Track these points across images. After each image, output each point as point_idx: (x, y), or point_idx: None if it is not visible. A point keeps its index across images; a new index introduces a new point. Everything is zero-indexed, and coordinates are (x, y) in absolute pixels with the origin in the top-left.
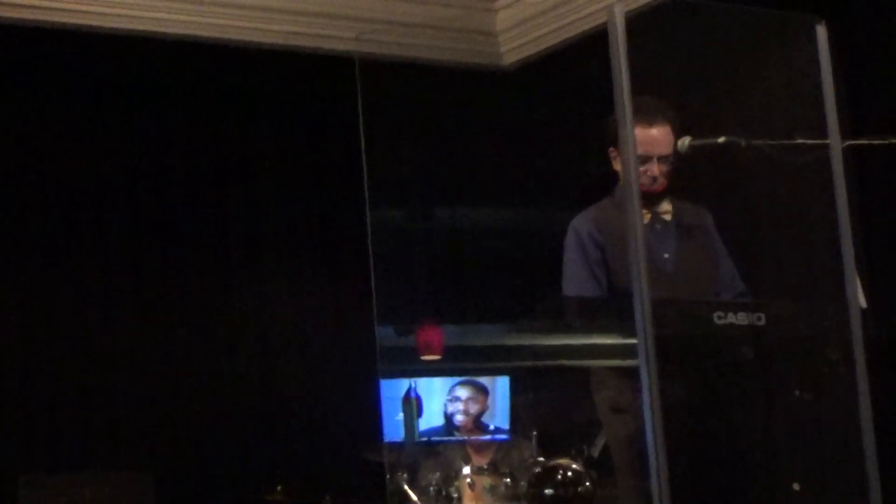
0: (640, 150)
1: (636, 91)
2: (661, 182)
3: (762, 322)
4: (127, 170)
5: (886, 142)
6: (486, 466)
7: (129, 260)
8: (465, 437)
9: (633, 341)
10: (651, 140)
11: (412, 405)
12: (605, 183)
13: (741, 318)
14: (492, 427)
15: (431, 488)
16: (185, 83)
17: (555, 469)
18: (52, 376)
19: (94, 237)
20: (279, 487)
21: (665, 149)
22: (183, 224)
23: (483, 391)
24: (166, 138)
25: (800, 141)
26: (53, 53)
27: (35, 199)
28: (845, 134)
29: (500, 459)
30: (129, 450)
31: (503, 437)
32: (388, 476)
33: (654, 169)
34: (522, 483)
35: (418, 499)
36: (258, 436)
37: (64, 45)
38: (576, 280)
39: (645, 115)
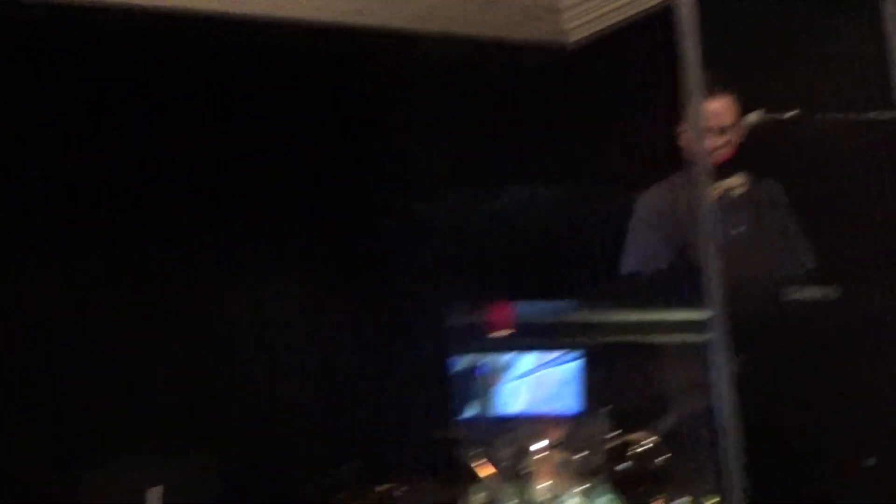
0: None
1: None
2: (722, 153)
3: (834, 297)
4: (170, 156)
5: None
6: (558, 442)
7: (186, 235)
8: (537, 413)
9: (704, 317)
10: (710, 112)
11: (483, 382)
12: (674, 159)
13: (813, 294)
14: (564, 403)
15: (503, 465)
16: (193, 59)
17: (629, 444)
18: (107, 360)
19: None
20: (349, 466)
21: (725, 120)
22: (240, 208)
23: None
24: (184, 124)
25: (872, 114)
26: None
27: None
28: None
29: (572, 435)
30: (192, 435)
31: (576, 412)
32: (458, 453)
33: (715, 141)
34: (596, 458)
35: (490, 475)
36: (327, 416)
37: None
38: (644, 255)
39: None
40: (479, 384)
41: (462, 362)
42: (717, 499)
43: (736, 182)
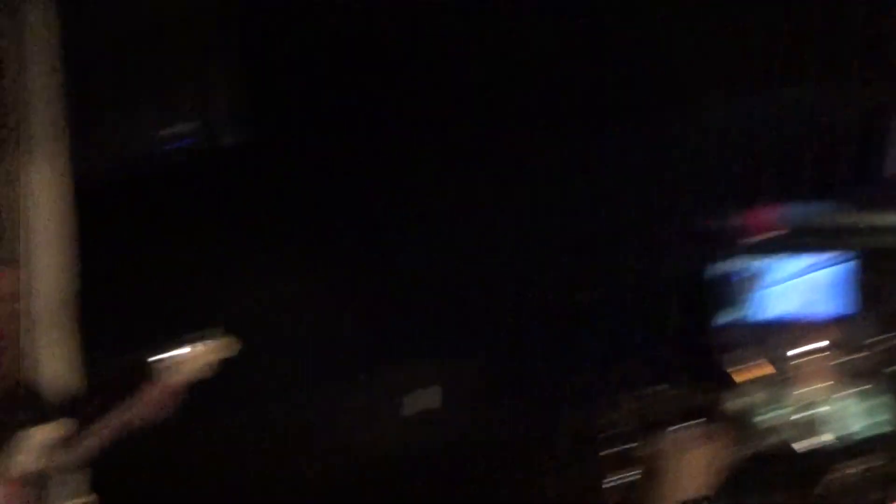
0: None
1: None
2: None
3: None
4: None
5: None
6: (829, 345)
7: None
8: (807, 316)
9: None
10: None
11: (751, 285)
12: None
13: None
14: (835, 306)
15: (773, 368)
16: None
17: None
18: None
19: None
20: (613, 371)
21: None
22: None
23: None
24: None
25: None
26: None
27: None
28: None
29: (843, 338)
30: (455, 337)
31: (847, 315)
32: (725, 357)
33: None
34: (868, 361)
35: (760, 379)
36: (586, 318)
37: None
38: None
39: None
40: (747, 288)
41: (729, 266)
42: None
43: None
